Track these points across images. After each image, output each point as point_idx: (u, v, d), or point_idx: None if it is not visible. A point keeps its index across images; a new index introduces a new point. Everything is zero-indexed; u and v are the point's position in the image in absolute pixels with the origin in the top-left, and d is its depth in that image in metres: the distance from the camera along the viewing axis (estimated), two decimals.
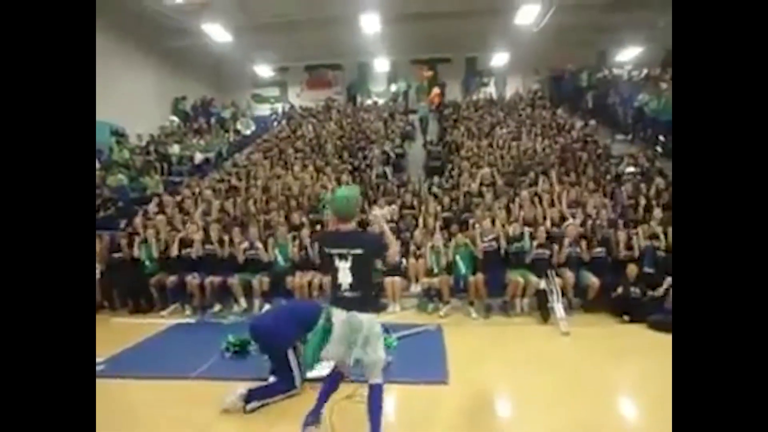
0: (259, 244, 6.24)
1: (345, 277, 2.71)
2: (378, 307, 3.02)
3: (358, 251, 2.71)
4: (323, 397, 2.90)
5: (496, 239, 5.93)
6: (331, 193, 3.11)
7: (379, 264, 5.62)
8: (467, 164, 8.78)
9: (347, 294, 2.73)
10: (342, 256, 2.71)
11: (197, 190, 8.62)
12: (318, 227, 6.64)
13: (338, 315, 2.77)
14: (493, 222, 6.21)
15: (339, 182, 8.35)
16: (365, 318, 2.72)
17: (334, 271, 2.75)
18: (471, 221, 6.51)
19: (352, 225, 2.84)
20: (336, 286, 2.75)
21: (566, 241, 5.82)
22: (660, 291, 5.33)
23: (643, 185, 7.48)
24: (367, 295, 2.84)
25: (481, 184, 7.76)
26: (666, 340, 4.75)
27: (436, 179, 8.78)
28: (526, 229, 6.05)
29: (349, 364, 2.79)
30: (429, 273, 5.96)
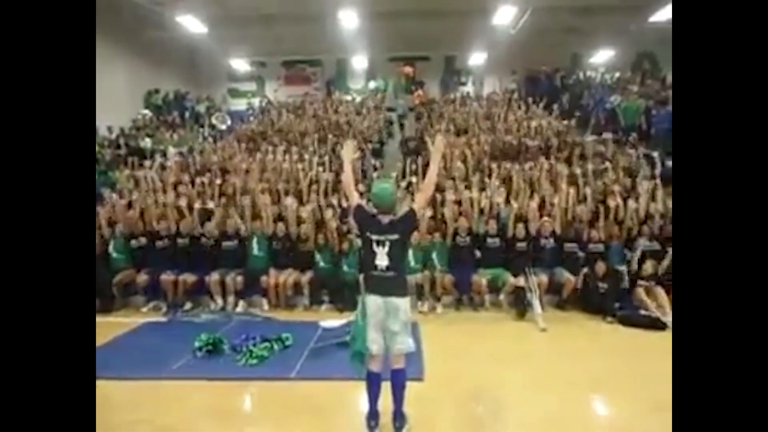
0: (239, 220, 6.14)
1: (382, 260, 2.88)
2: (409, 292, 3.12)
3: (395, 237, 2.88)
4: (374, 400, 2.97)
5: (471, 234, 6.01)
6: (373, 186, 3.25)
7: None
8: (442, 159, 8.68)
9: (383, 273, 2.87)
10: (380, 242, 2.89)
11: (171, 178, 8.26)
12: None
13: (373, 300, 2.87)
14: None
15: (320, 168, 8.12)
16: (401, 303, 2.87)
17: (372, 254, 2.90)
18: (446, 215, 6.48)
19: (391, 215, 2.97)
20: (373, 266, 2.89)
21: (547, 228, 5.96)
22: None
23: (608, 181, 7.61)
24: (402, 276, 2.97)
25: (454, 179, 7.60)
26: (635, 334, 4.92)
27: (408, 161, 8.63)
28: (512, 205, 6.21)
29: (386, 352, 2.90)
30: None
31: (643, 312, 5.21)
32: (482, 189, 6.99)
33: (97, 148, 9.94)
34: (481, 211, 6.36)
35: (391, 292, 2.87)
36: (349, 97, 16.04)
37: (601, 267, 5.61)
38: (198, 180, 7.56)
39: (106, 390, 3.65)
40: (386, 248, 2.87)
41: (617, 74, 13.81)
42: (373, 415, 2.97)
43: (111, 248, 6.18)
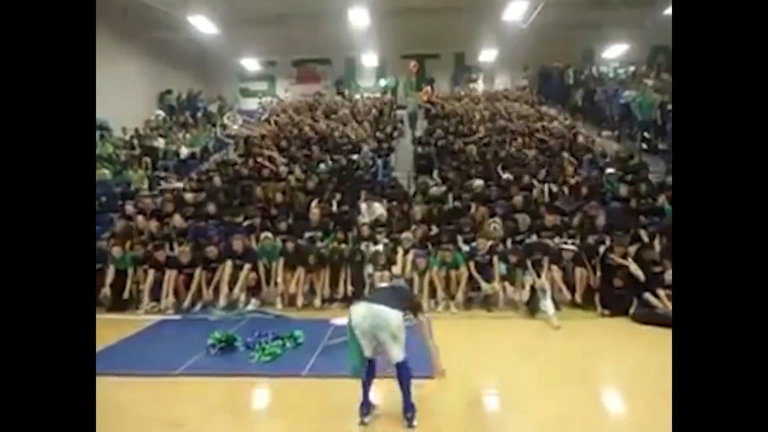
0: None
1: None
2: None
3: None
4: (366, 387, 3.05)
5: (489, 252, 5.99)
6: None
7: (370, 268, 5.91)
8: (456, 175, 8.58)
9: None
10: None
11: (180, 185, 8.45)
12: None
13: (358, 310, 2.97)
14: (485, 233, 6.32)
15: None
16: (391, 314, 2.92)
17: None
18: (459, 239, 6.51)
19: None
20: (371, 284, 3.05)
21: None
22: None
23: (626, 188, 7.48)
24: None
25: (473, 198, 7.59)
26: (651, 332, 4.83)
27: (423, 179, 8.65)
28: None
29: (383, 359, 2.98)
30: None
31: (659, 310, 5.12)
32: (493, 215, 7.01)
33: (112, 149, 10.12)
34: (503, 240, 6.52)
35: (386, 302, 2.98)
36: (359, 96, 16.00)
37: (618, 282, 5.52)
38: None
39: (119, 387, 3.70)
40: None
41: (631, 68, 13.62)
42: (364, 404, 3.03)
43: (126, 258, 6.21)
